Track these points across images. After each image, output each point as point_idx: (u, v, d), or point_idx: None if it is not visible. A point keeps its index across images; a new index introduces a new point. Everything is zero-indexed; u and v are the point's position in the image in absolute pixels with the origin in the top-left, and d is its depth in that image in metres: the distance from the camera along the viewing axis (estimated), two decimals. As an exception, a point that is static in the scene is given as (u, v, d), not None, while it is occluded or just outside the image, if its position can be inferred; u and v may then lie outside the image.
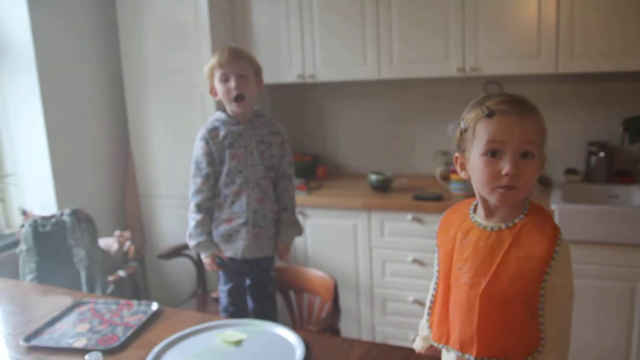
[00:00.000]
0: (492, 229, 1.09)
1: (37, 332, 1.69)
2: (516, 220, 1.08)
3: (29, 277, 2.43)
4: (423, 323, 1.25)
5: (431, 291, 1.21)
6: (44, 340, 1.65)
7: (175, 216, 3.14)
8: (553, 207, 2.40)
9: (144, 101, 3.11)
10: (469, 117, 1.09)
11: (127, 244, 2.70)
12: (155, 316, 1.79)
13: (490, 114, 1.04)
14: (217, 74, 1.98)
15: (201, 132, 2.03)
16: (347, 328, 2.95)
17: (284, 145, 2.11)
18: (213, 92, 2.04)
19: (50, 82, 2.82)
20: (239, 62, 1.98)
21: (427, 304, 1.22)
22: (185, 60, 2.96)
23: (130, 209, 3.26)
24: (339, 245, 2.87)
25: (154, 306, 1.84)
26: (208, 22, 2.86)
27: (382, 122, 3.29)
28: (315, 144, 3.51)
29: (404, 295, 2.78)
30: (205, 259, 2.05)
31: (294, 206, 2.15)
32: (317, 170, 3.32)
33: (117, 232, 2.77)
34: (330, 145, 3.48)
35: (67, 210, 2.51)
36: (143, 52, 3.04)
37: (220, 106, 2.20)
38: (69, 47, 2.93)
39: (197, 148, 2.03)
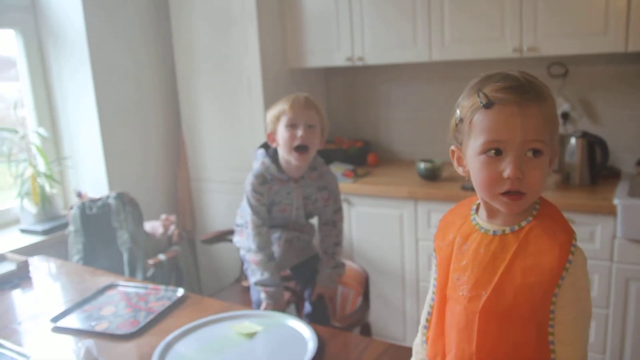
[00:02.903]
0: (494, 232, 0.94)
1: (65, 313, 1.73)
2: (523, 224, 0.92)
3: (75, 258, 2.51)
4: (417, 342, 1.12)
5: (429, 302, 1.08)
6: (70, 321, 1.69)
7: (225, 200, 3.15)
8: (615, 202, 2.17)
9: (195, 86, 3.12)
10: (465, 104, 0.94)
11: (172, 227, 2.73)
12: (179, 302, 1.78)
13: (488, 104, 0.88)
14: (285, 119, 1.82)
15: (252, 183, 1.89)
16: (392, 322, 2.84)
17: (329, 201, 2.01)
18: (272, 137, 1.89)
19: (103, 69, 2.89)
20: (311, 112, 1.84)
21: (423, 319, 1.09)
22: (233, 45, 2.93)
23: (181, 193, 3.31)
24: (385, 235, 2.76)
25: (180, 292, 1.83)
26: (255, 5, 2.81)
27: (435, 107, 3.12)
28: (367, 130, 3.40)
29: (452, 290, 2.63)
30: (276, 304, 1.90)
31: (336, 251, 2.04)
32: (368, 157, 3.22)
33: (162, 216, 2.80)
34: (382, 131, 3.35)
35: (112, 194, 2.56)
36: (193, 38, 3.05)
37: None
38: (121, 36, 2.99)
39: (253, 200, 1.89)
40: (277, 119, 1.86)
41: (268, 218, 1.94)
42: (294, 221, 2.00)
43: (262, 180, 1.88)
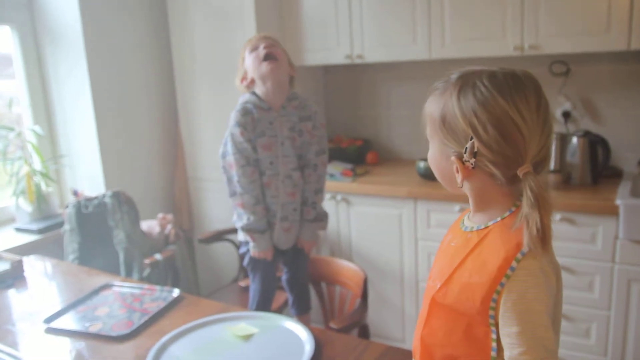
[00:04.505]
0: (465, 229, 0.97)
1: (59, 314, 1.70)
2: (489, 224, 0.92)
3: (71, 257, 2.48)
4: None
5: None
6: (63, 322, 1.66)
7: (223, 199, 3.11)
8: (618, 202, 2.14)
9: (192, 84, 3.09)
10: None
11: (169, 227, 2.70)
12: (174, 303, 1.75)
13: None
14: (247, 50, 1.93)
15: (235, 117, 1.91)
16: (391, 323, 2.82)
17: (314, 131, 1.97)
18: (244, 77, 1.95)
19: (100, 67, 2.86)
20: (269, 37, 1.94)
21: None
22: (231, 42, 2.90)
23: (178, 192, 3.28)
24: (384, 235, 2.74)
25: (175, 293, 1.80)
26: (253, 2, 2.78)
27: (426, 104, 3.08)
28: (366, 128, 3.37)
29: (451, 290, 2.61)
30: (262, 251, 1.90)
31: (316, 200, 2.00)
32: (367, 156, 3.19)
33: (159, 215, 2.78)
34: (382, 130, 3.32)
35: (108, 192, 2.53)
36: (192, 36, 3.02)
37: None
38: (118, 33, 2.96)
39: (236, 135, 1.88)
40: (242, 59, 1.94)
41: (254, 159, 1.89)
42: (284, 169, 1.92)
43: (244, 112, 1.89)
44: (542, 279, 0.86)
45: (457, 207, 2.47)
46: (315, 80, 3.36)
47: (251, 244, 1.85)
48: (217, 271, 3.28)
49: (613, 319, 2.27)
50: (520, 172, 0.86)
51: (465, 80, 0.91)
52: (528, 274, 0.85)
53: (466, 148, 0.89)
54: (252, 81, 1.92)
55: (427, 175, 2.69)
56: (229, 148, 1.89)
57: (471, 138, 0.88)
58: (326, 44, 2.92)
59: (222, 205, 3.12)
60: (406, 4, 2.65)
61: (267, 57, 1.87)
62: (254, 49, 1.91)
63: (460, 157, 0.91)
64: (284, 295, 2.38)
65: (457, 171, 0.92)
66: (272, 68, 1.87)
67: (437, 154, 0.98)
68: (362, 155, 3.18)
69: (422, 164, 2.71)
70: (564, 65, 2.66)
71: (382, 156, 3.28)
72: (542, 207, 0.84)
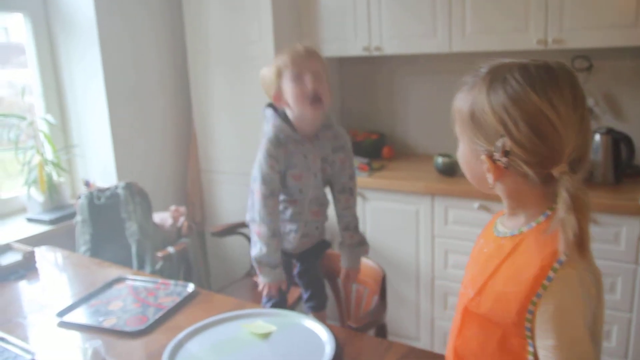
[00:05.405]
0: (498, 234, 0.92)
1: (71, 307, 1.67)
2: (524, 229, 0.87)
3: (83, 249, 2.45)
4: None
5: None
6: (76, 316, 1.63)
7: (236, 192, 3.07)
8: (645, 201, 2.09)
9: (207, 75, 3.05)
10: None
11: (181, 219, 2.67)
12: (189, 298, 1.72)
13: None
14: (289, 73, 1.65)
15: (266, 147, 1.72)
16: (406, 321, 2.77)
17: (345, 163, 1.84)
18: (279, 97, 1.70)
19: (113, 55, 2.81)
20: (314, 60, 1.65)
21: None
22: (246, 33, 2.85)
23: (191, 184, 3.24)
24: (400, 231, 2.69)
25: (190, 288, 1.77)
26: (270, -8, 2.73)
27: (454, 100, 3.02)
28: (383, 122, 3.31)
29: (468, 289, 2.56)
30: (270, 284, 1.76)
31: (357, 223, 1.89)
32: (383, 150, 3.14)
33: (172, 207, 2.74)
34: (398, 124, 3.26)
35: (121, 184, 2.50)
36: (206, 26, 2.97)
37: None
38: (132, 21, 2.91)
39: (265, 166, 1.71)
40: (279, 75, 1.67)
41: (279, 189, 1.76)
42: (313, 194, 1.82)
43: (277, 143, 1.70)
44: (580, 290, 0.81)
45: (476, 204, 2.42)
46: (331, 72, 3.30)
47: (260, 275, 1.77)
48: (229, 265, 3.24)
49: (635, 321, 2.21)
50: (555, 172, 0.81)
51: (495, 74, 0.86)
52: (565, 284, 0.80)
53: (497, 146, 0.84)
54: (287, 103, 1.72)
55: (446, 171, 2.64)
56: (256, 175, 1.75)
57: (502, 136, 0.83)
58: (343, 35, 2.86)
59: (235, 199, 3.08)
60: (426, -4, 2.59)
61: (315, 101, 1.65)
62: (298, 77, 1.64)
63: (491, 156, 0.86)
64: (297, 290, 2.34)
65: (488, 171, 0.87)
66: (317, 113, 1.68)
67: (467, 153, 0.93)
68: (377, 149, 3.13)
69: (440, 159, 2.65)
70: (587, 61, 2.59)
71: (397, 150, 3.23)
72: (579, 210, 0.78)
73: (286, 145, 1.71)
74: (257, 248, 1.74)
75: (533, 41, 2.39)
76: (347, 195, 1.85)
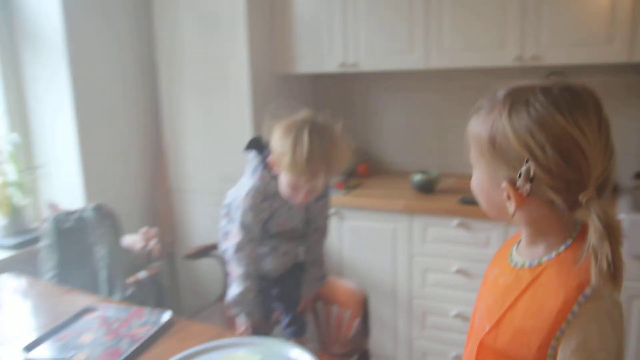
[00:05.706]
0: (516, 264, 0.87)
1: (39, 341, 1.56)
2: (544, 259, 0.83)
3: (48, 275, 2.32)
4: None
5: None
6: (44, 350, 1.52)
7: (209, 213, 2.99)
8: (622, 217, 2.09)
9: (179, 92, 2.96)
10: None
11: (152, 242, 2.56)
12: (165, 328, 1.63)
13: None
14: (289, 175, 1.58)
15: (252, 197, 1.68)
16: (383, 342, 2.72)
17: (325, 206, 1.88)
18: (273, 164, 1.63)
19: (81, 72, 2.71)
20: (321, 179, 1.60)
21: None
22: (219, 48, 2.79)
23: (161, 205, 3.14)
24: (377, 250, 2.64)
25: (165, 317, 1.68)
26: (245, 7, 2.67)
27: (430, 117, 3.02)
28: (357, 139, 3.27)
29: (446, 308, 2.52)
30: (244, 323, 1.73)
31: (324, 260, 1.93)
32: (358, 167, 3.10)
33: (143, 229, 2.63)
34: (374, 141, 3.24)
35: (90, 205, 2.39)
36: (178, 40, 2.90)
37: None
38: (101, 37, 2.82)
39: (250, 216, 1.69)
40: (286, 169, 1.59)
41: (259, 236, 1.77)
42: (290, 235, 1.86)
43: (264, 197, 1.70)
44: (608, 324, 0.77)
45: (455, 222, 2.39)
46: (303, 89, 3.26)
47: (235, 316, 1.74)
48: (201, 287, 3.14)
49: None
50: (582, 198, 0.77)
51: (516, 97, 0.82)
52: (591, 319, 0.76)
53: (520, 173, 0.79)
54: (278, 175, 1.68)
55: (423, 188, 2.61)
56: (237, 221, 1.71)
57: (527, 161, 0.78)
58: (318, 50, 2.83)
59: (208, 219, 2.99)
60: (403, 11, 2.58)
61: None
62: (295, 186, 1.61)
63: (513, 183, 0.81)
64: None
65: (509, 198, 0.83)
66: (301, 202, 1.67)
67: (484, 180, 0.87)
68: (353, 166, 3.09)
69: (417, 177, 2.63)
70: (562, 76, 2.61)
71: (373, 168, 3.20)
72: (612, 237, 0.74)
73: (273, 198, 1.72)
74: (233, 287, 1.73)
75: (510, 58, 2.40)
76: (320, 234, 1.91)
